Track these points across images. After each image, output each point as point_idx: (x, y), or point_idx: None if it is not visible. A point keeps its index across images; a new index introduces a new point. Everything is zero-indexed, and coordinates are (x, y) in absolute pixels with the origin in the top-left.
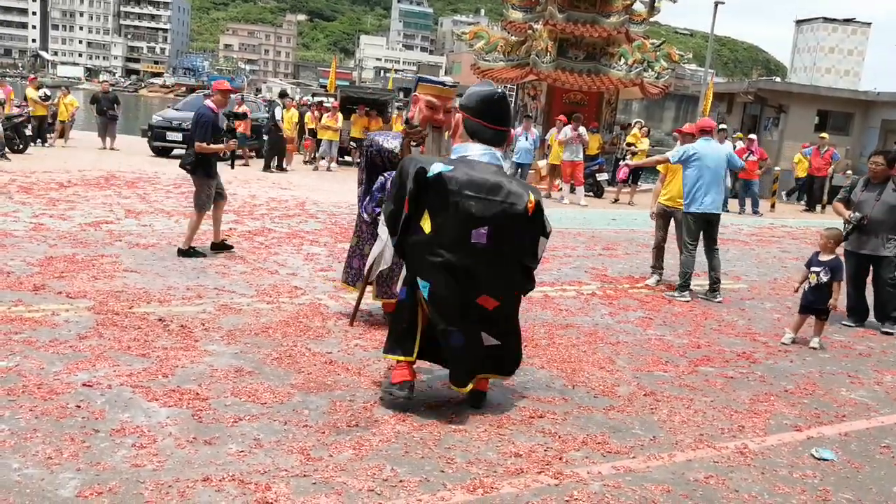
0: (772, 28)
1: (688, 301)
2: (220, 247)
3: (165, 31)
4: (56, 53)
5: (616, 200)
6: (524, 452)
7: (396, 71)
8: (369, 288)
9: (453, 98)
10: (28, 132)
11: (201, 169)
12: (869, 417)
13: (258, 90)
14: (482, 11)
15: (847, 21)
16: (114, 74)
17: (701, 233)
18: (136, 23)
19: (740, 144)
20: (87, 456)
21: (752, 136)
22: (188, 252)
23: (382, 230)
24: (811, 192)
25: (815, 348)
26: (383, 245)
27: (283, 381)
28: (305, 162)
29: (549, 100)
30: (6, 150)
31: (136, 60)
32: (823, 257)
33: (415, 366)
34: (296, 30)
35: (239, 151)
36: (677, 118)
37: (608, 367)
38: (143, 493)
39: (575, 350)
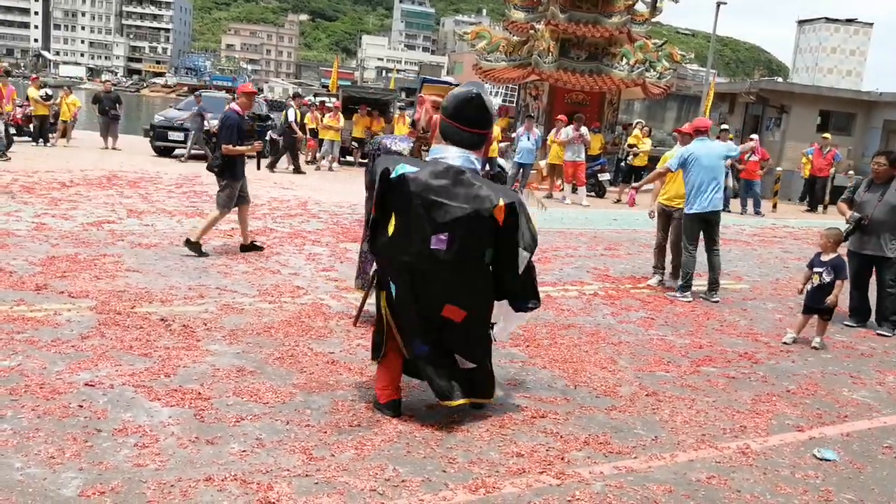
0: (774, 28)
1: (689, 301)
2: (249, 248)
3: (167, 30)
4: (58, 53)
5: (618, 201)
6: (526, 452)
7: (398, 71)
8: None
9: None
10: (13, 132)
11: (228, 171)
12: (871, 418)
13: (260, 90)
14: (484, 11)
15: (849, 21)
16: (116, 74)
17: (701, 233)
18: (138, 22)
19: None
20: (90, 455)
21: (755, 136)
22: (195, 245)
23: None
24: (813, 192)
25: (816, 348)
26: None
27: (286, 380)
28: (308, 162)
29: (550, 100)
30: (5, 150)
31: (138, 60)
32: (825, 257)
33: (400, 381)
34: (298, 30)
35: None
36: (679, 118)
37: (610, 367)
38: (145, 492)
39: (577, 350)
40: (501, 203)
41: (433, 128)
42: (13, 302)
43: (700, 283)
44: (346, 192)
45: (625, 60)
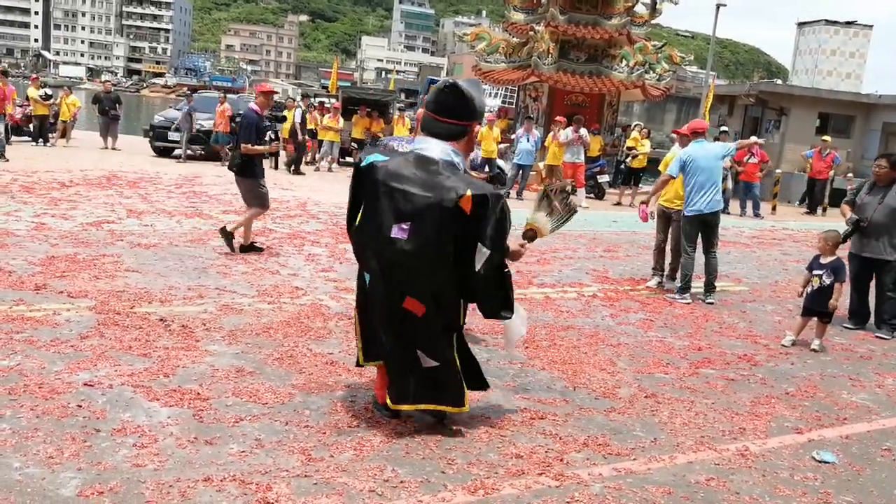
0: (773, 30)
1: (688, 303)
2: (249, 248)
3: (167, 31)
4: (58, 53)
5: (618, 203)
6: (525, 454)
7: (398, 72)
8: None
9: None
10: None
11: (248, 170)
12: (870, 420)
13: None
14: (484, 13)
15: (849, 23)
16: (115, 74)
17: (699, 235)
18: (138, 23)
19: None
20: (88, 455)
21: (754, 138)
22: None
23: None
24: (812, 194)
25: (815, 350)
26: None
27: (285, 381)
28: (307, 162)
29: (550, 101)
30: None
31: (138, 60)
32: (824, 260)
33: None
34: (297, 30)
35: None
36: (678, 120)
37: (609, 368)
38: (143, 492)
39: (576, 352)
40: (468, 193)
41: (418, 121)
42: (12, 302)
43: (699, 284)
44: (346, 193)
45: (624, 62)
